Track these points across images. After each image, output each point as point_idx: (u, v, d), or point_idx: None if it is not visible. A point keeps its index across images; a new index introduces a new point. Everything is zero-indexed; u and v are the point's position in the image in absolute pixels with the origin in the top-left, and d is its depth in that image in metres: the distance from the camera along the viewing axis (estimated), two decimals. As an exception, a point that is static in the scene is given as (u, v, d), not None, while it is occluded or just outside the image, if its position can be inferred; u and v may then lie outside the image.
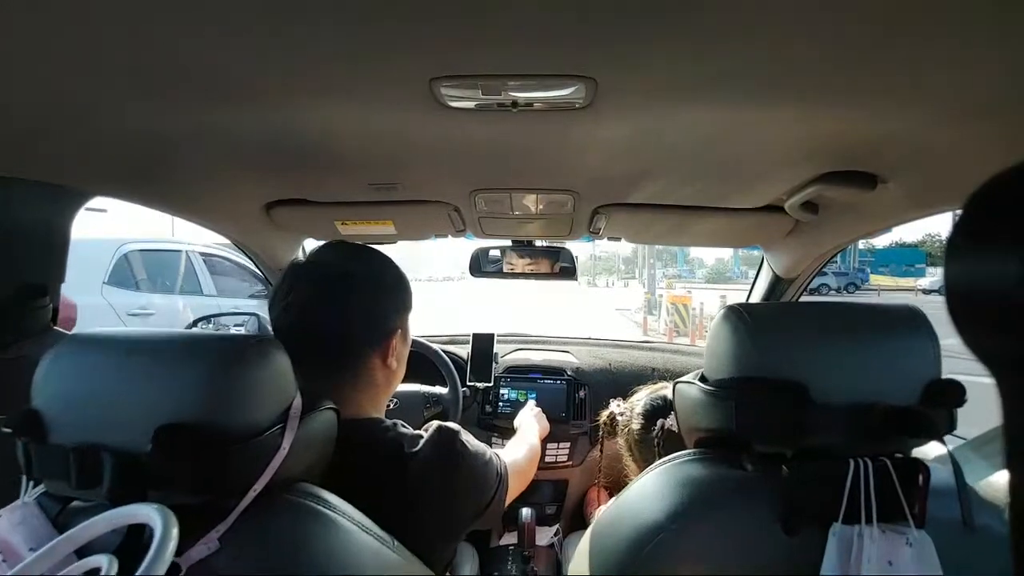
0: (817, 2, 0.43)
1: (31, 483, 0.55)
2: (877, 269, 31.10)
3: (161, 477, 0.51)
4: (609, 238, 1.28)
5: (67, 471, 0.51)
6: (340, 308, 0.75)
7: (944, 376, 0.55)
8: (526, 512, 1.24)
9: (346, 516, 0.59)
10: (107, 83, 0.56)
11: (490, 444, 1.58)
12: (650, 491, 0.59)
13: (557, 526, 1.63)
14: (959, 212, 0.23)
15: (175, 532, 0.38)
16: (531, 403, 1.47)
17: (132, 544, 0.45)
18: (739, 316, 0.57)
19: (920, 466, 0.52)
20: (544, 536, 1.57)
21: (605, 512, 0.64)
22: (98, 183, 0.83)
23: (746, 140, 0.72)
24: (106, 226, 4.45)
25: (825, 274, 24.12)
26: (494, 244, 1.45)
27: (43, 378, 0.55)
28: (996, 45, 0.47)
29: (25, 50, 0.48)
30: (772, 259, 1.33)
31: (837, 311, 0.59)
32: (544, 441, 1.57)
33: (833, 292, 19.20)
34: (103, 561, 0.35)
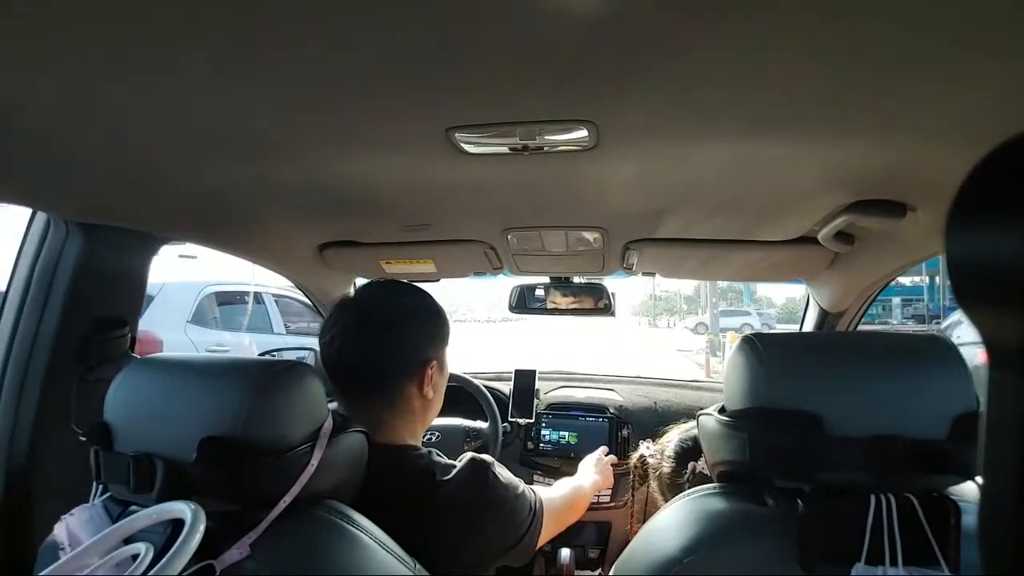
0: (820, 36, 0.43)
1: (99, 488, 0.63)
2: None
3: (203, 484, 0.57)
4: (644, 273, 1.29)
5: (127, 476, 0.58)
6: (376, 341, 0.81)
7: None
8: (565, 553, 1.23)
9: (368, 533, 0.63)
10: (180, 144, 0.66)
11: (531, 481, 1.57)
12: (667, 524, 0.58)
13: (599, 571, 1.57)
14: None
15: (202, 527, 0.43)
16: (602, 449, 1.31)
17: (173, 540, 0.51)
18: (752, 346, 0.57)
19: (950, 504, 0.49)
20: (586, 581, 1.51)
21: (628, 546, 0.64)
22: (170, 230, 0.96)
23: (761, 175, 0.73)
24: (195, 271, 4.91)
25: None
26: (532, 281, 1.49)
27: (112, 395, 0.63)
28: (997, 68, 0.47)
29: (114, 113, 0.57)
30: (816, 293, 1.28)
31: (855, 340, 0.58)
32: None
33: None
34: (141, 548, 0.40)
